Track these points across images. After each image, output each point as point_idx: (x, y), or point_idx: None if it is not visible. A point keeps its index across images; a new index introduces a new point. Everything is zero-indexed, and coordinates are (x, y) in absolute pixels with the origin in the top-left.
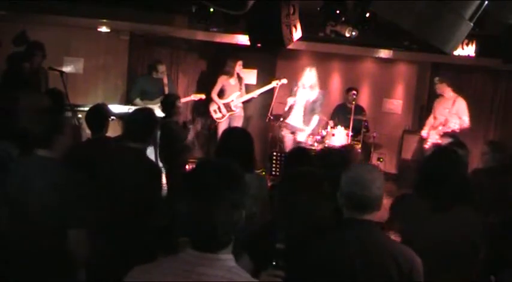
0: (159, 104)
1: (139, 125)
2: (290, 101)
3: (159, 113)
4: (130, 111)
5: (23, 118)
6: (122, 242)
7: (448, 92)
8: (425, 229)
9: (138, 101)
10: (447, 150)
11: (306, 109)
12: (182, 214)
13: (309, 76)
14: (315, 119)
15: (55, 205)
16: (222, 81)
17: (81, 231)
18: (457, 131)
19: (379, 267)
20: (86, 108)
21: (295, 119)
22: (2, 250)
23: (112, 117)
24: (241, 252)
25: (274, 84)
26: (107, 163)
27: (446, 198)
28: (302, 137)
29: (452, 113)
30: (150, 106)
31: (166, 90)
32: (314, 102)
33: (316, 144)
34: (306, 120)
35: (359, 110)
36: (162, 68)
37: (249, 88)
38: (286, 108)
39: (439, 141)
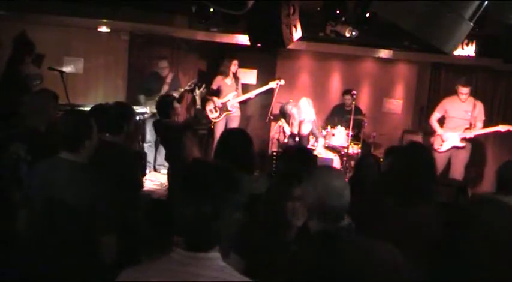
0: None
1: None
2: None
3: (154, 109)
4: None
5: (32, 119)
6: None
7: (468, 96)
8: (388, 228)
9: (141, 97)
10: (415, 148)
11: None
12: (182, 215)
13: (305, 106)
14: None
15: (81, 208)
16: (218, 81)
17: (112, 234)
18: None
19: (365, 275)
20: (86, 108)
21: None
22: (20, 251)
23: None
24: (228, 250)
25: (271, 85)
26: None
27: (411, 196)
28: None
29: (473, 117)
30: (151, 103)
31: (165, 88)
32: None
33: (316, 144)
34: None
35: (357, 111)
36: (162, 63)
37: (249, 88)
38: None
39: (462, 144)
